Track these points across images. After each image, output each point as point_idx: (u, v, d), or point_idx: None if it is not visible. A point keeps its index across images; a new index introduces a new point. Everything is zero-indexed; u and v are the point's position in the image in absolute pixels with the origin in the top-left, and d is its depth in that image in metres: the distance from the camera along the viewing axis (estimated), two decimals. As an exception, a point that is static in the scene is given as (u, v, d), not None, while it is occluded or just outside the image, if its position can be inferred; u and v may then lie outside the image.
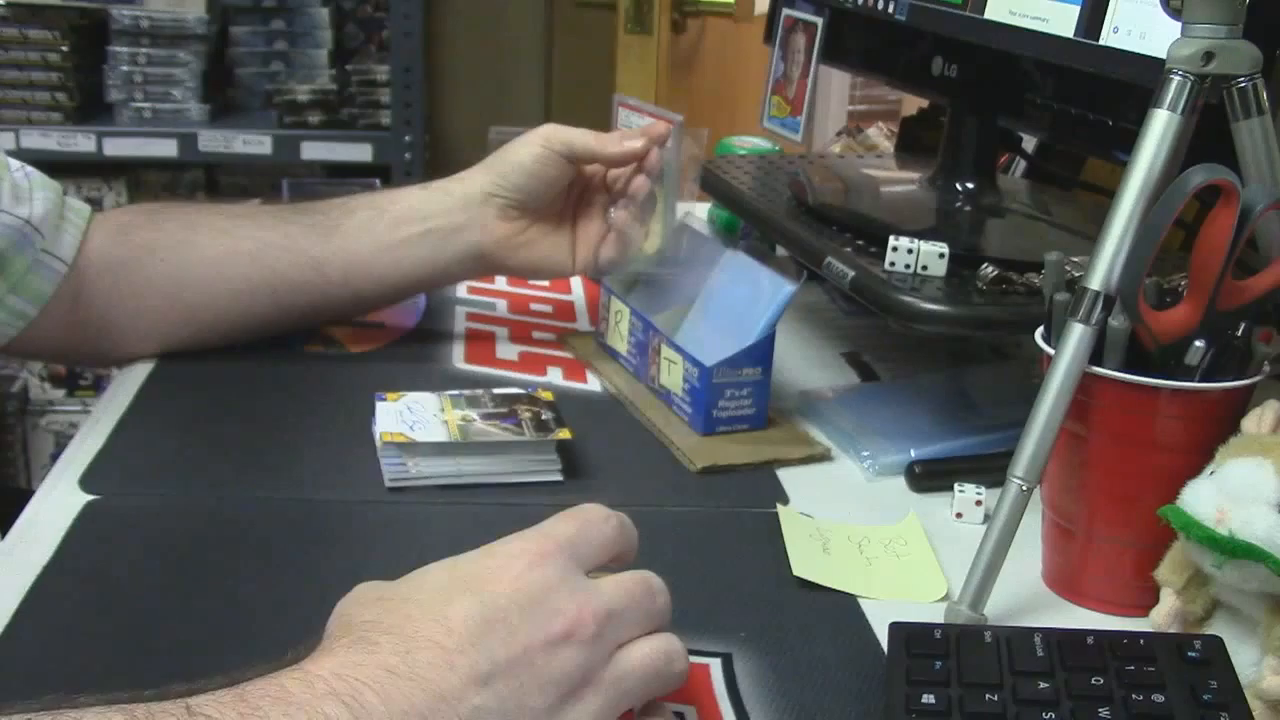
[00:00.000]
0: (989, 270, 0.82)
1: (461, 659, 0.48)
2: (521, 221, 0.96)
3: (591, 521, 0.56)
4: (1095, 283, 0.63)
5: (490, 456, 0.79)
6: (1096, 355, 0.64)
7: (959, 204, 0.98)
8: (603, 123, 1.00)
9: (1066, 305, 0.65)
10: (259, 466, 0.80)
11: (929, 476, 0.82)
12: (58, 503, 0.74)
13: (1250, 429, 0.62)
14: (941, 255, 0.83)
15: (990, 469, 0.77)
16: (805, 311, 1.12)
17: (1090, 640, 0.57)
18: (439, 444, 0.78)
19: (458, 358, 0.99)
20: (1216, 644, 0.56)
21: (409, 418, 0.80)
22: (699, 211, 1.06)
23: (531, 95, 2.48)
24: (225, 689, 0.47)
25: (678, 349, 0.87)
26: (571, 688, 0.50)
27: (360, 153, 2.23)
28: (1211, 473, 0.60)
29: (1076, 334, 0.64)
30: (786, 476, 0.83)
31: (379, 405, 0.82)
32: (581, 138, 0.94)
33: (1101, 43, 0.76)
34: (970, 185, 0.98)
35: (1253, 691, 0.55)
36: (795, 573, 0.70)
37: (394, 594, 0.52)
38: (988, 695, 0.54)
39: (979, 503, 0.78)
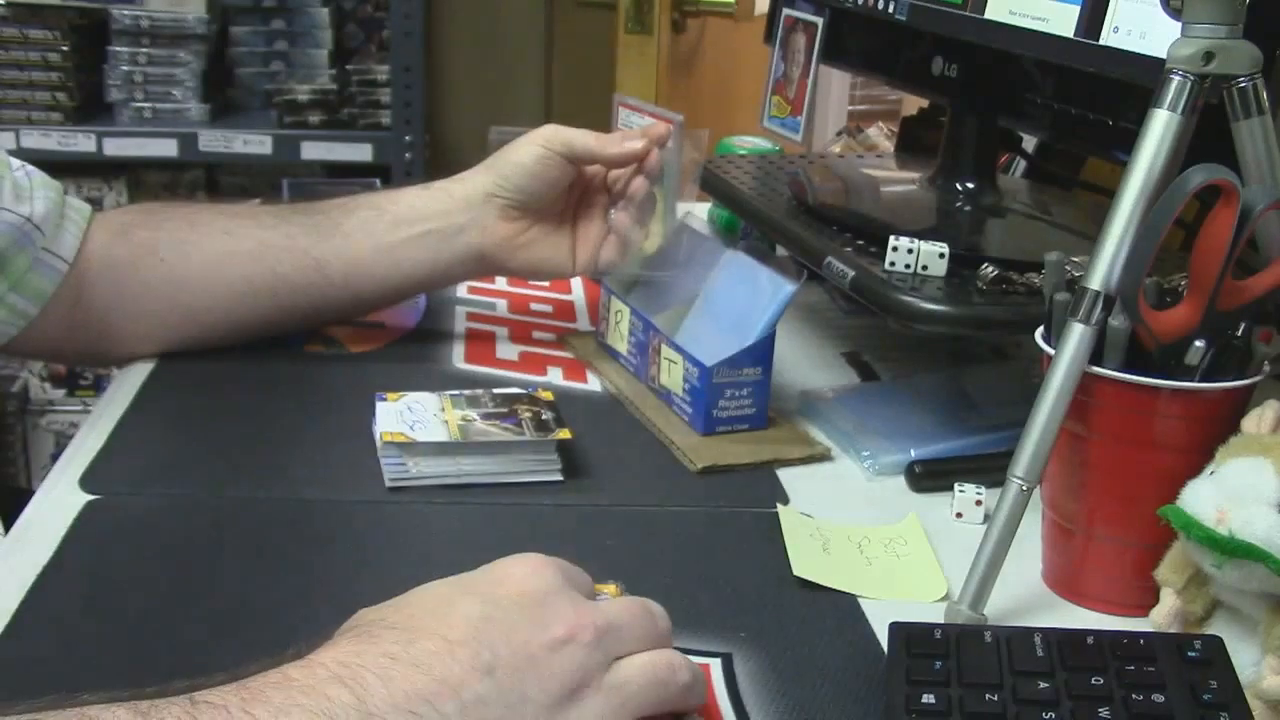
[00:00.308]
0: (989, 270, 0.82)
1: (463, 650, 0.49)
2: (522, 222, 0.96)
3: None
4: (1095, 283, 0.63)
5: (490, 456, 0.79)
6: (1096, 355, 0.64)
7: (959, 204, 0.98)
8: (603, 122, 1.00)
9: (1066, 305, 0.65)
10: (259, 466, 0.80)
11: (929, 476, 0.82)
12: (58, 503, 0.74)
13: (1250, 429, 0.62)
14: (941, 255, 0.83)
15: (990, 469, 0.77)
16: (805, 311, 1.12)
17: (1090, 640, 0.57)
18: (439, 444, 0.78)
19: (458, 358, 0.99)
20: (1216, 644, 0.56)
21: (409, 418, 0.80)
22: (699, 211, 1.06)
23: (531, 95, 2.48)
24: (228, 683, 0.47)
25: (678, 349, 0.87)
26: (573, 687, 0.50)
27: (360, 153, 2.22)
28: (1211, 473, 0.60)
29: (1076, 334, 0.64)
30: (786, 476, 0.83)
31: (379, 405, 0.82)
32: (582, 138, 0.94)
33: (1101, 43, 0.76)
34: (970, 185, 0.98)
35: (1253, 691, 0.55)
36: (795, 573, 0.70)
37: (397, 602, 0.53)
38: (988, 695, 0.54)
39: (979, 503, 0.78)
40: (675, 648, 0.56)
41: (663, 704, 0.53)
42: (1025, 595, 0.70)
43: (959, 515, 0.78)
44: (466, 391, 0.84)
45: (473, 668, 0.49)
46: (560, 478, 0.80)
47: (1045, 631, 0.58)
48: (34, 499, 0.75)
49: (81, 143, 2.17)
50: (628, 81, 2.21)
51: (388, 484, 0.78)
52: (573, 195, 0.98)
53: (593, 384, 0.96)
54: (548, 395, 0.84)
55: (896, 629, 0.59)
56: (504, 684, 0.49)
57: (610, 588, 0.60)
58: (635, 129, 0.98)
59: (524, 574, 0.53)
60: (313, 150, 2.21)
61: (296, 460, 0.81)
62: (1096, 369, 0.64)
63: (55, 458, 1.03)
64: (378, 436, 0.79)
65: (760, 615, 0.66)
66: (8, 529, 0.73)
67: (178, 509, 0.75)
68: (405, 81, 2.22)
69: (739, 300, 0.88)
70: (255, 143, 2.19)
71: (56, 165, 1.14)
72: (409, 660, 0.48)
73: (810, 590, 0.69)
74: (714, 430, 0.86)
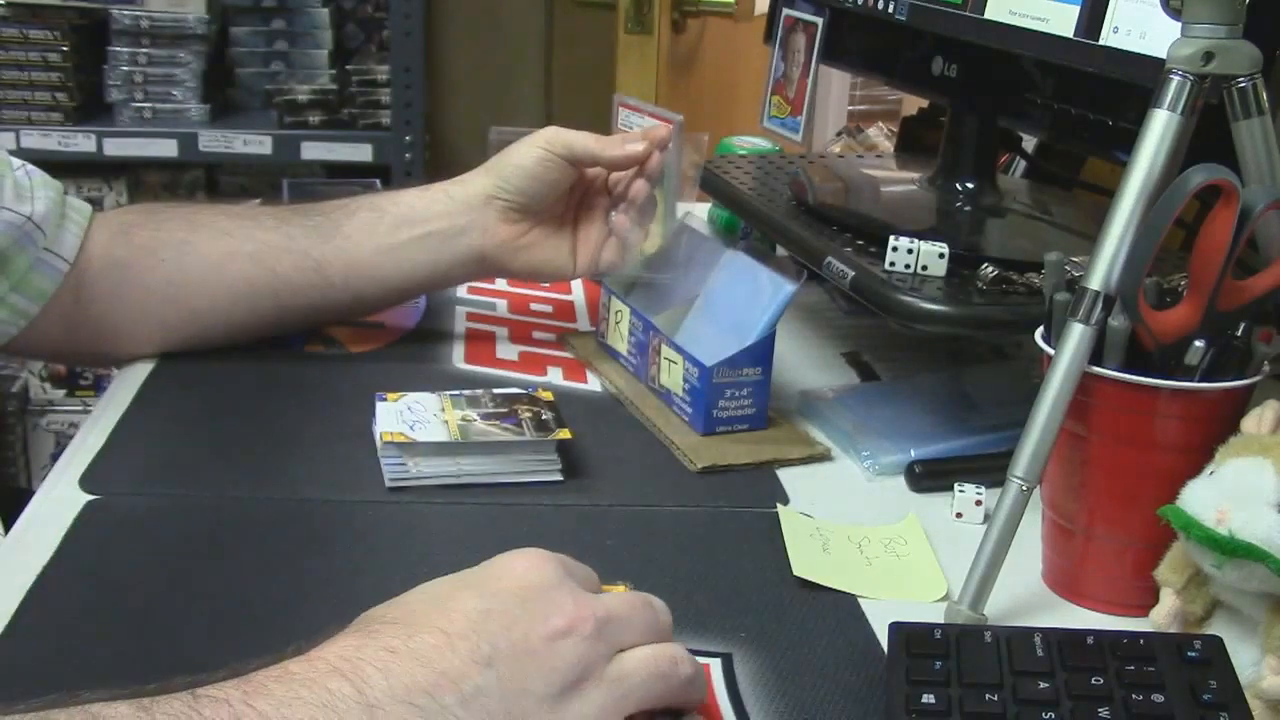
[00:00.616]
0: (989, 270, 0.82)
1: (463, 643, 0.49)
2: (523, 224, 0.96)
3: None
4: (1095, 283, 0.64)
5: (490, 456, 0.79)
6: (1096, 355, 0.64)
7: (959, 204, 0.98)
8: (603, 122, 1.00)
9: (1066, 305, 0.65)
10: (259, 466, 0.80)
11: (929, 476, 0.82)
12: (58, 503, 0.74)
13: (1250, 429, 0.62)
14: (941, 255, 0.83)
15: (990, 469, 0.77)
16: (805, 311, 1.12)
17: (1090, 640, 0.57)
18: (439, 444, 0.78)
19: (458, 358, 0.99)
20: (1216, 644, 0.56)
21: (409, 418, 0.80)
22: (699, 212, 1.06)
23: (531, 95, 2.48)
24: (229, 678, 0.47)
25: (678, 349, 0.87)
26: (573, 679, 0.50)
27: (360, 153, 2.22)
28: (1211, 473, 0.60)
29: (1076, 334, 0.64)
30: (786, 476, 0.83)
31: (379, 405, 0.82)
32: (582, 140, 0.94)
33: (1101, 43, 0.76)
34: (970, 185, 0.98)
35: (1253, 691, 0.55)
36: (795, 573, 0.70)
37: (397, 600, 0.53)
38: (988, 695, 0.54)
39: (979, 503, 0.78)
40: (675, 646, 0.56)
41: (664, 697, 0.53)
42: (1025, 595, 0.70)
43: (959, 515, 0.78)
44: (466, 391, 0.84)
45: (473, 660, 0.49)
46: (560, 478, 0.80)
47: (1045, 631, 0.58)
48: (34, 499, 0.75)
49: (81, 143, 2.17)
50: (628, 81, 2.21)
51: (388, 484, 0.78)
52: (573, 197, 0.98)
53: (593, 384, 0.96)
54: (548, 395, 0.84)
55: (896, 629, 0.59)
56: (504, 676, 0.49)
57: (619, 588, 0.60)
58: (636, 131, 0.98)
59: (524, 568, 0.53)
60: (313, 150, 2.21)
61: (296, 460, 0.81)
62: (1096, 369, 0.64)
63: (55, 458, 1.03)
64: (378, 436, 0.79)
65: (760, 615, 0.66)
66: (8, 529, 0.73)
67: (178, 509, 0.75)
68: (405, 81, 2.22)
69: (739, 300, 0.88)
70: (255, 143, 2.19)
71: (56, 165, 1.13)
72: (409, 653, 0.48)
73: (810, 590, 0.69)
74: (714, 430, 0.86)
